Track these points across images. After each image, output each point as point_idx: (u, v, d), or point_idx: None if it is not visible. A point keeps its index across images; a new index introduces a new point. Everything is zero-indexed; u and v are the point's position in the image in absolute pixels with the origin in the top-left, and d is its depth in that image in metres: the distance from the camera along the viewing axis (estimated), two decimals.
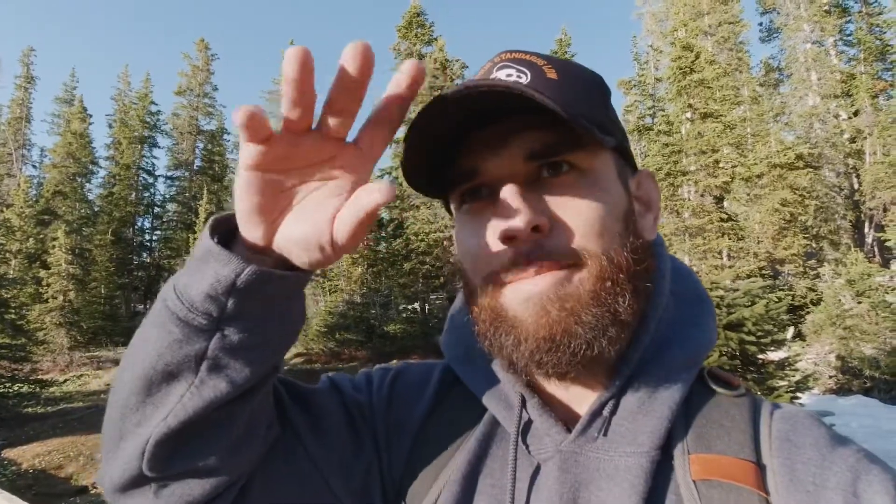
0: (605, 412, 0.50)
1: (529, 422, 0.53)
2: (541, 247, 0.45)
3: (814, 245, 16.88)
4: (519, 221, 0.44)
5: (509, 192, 0.46)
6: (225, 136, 37.32)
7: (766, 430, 0.49)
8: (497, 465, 0.53)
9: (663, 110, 20.16)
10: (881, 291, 11.15)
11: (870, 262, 13.48)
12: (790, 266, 15.22)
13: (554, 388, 0.53)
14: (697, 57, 14.94)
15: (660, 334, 0.52)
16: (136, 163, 32.54)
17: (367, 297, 19.80)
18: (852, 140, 20.11)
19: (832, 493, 0.42)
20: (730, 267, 12.49)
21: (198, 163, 35.62)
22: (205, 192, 29.40)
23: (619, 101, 27.83)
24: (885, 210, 15.75)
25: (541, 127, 0.47)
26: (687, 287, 0.57)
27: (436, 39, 24.26)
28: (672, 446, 0.48)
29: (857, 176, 19.86)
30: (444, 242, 20.99)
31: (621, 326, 0.46)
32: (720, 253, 14.03)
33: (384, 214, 23.88)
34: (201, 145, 35.92)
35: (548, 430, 0.51)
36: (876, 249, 16.29)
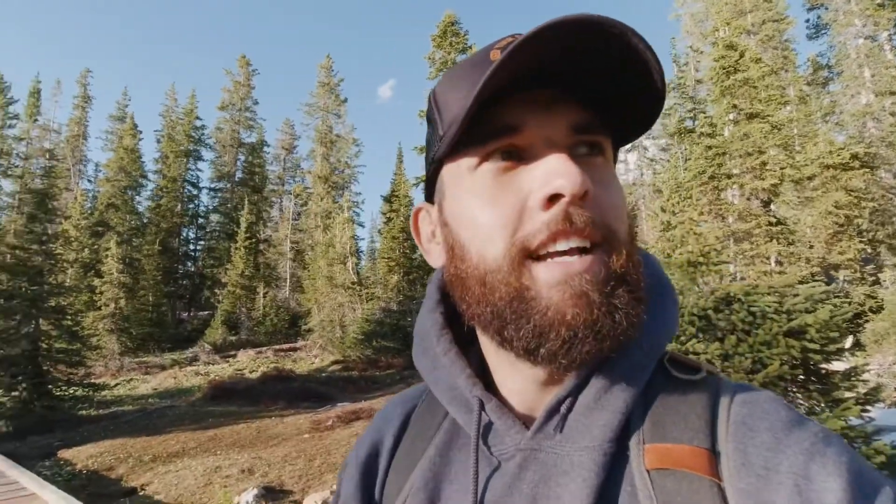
0: (563, 409, 0.47)
1: (490, 425, 0.51)
2: (581, 216, 0.42)
3: (870, 250, 15.97)
4: (574, 179, 0.40)
5: (562, 153, 0.42)
6: (265, 149, 38.50)
7: (724, 415, 0.46)
8: (461, 468, 0.51)
9: (704, 112, 19.56)
10: None
11: None
12: (846, 272, 14.44)
13: (512, 388, 0.51)
14: (742, 56, 14.42)
15: None
16: (182, 175, 33.99)
17: (404, 305, 19.91)
18: None
19: (784, 476, 0.40)
20: (779, 273, 11.92)
21: (239, 174, 36.87)
22: (245, 202, 30.35)
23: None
24: None
25: (576, 102, 0.45)
26: (651, 273, 0.51)
27: (470, 48, 24.37)
28: (628, 437, 0.46)
29: None
30: None
31: (640, 316, 0.44)
32: (768, 258, 13.43)
33: None
34: (242, 157, 37.18)
35: (507, 430, 0.49)
36: None
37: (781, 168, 13.70)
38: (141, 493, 6.74)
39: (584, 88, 0.44)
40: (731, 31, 15.94)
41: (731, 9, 21.03)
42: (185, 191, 34.36)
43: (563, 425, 0.47)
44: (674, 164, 19.21)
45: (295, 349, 20.95)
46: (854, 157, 14.76)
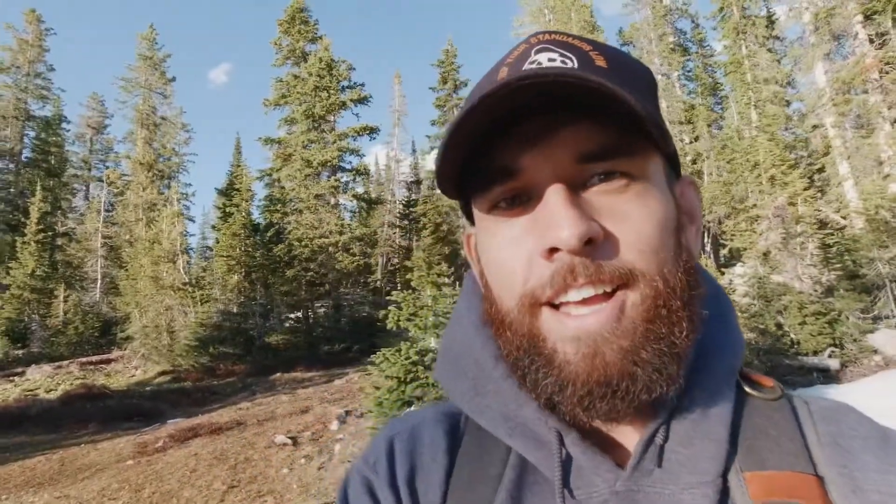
0: (658, 440, 0.43)
1: (569, 461, 0.45)
2: (592, 264, 0.39)
3: None
4: (569, 232, 0.38)
5: (557, 197, 0.40)
6: (64, 126, 32.27)
7: (812, 436, 0.45)
8: None
9: None
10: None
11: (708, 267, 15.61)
12: None
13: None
14: None
15: (698, 342, 0.46)
16: None
17: (246, 307, 18.33)
18: (693, 161, 23.30)
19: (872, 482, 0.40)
20: None
21: (27, 153, 30.30)
22: (38, 187, 25.01)
23: None
24: (720, 223, 18.34)
25: (591, 124, 0.40)
26: (708, 289, 0.49)
27: (320, 38, 23.47)
28: (728, 467, 0.43)
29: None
30: (330, 248, 20.24)
31: (679, 362, 0.41)
32: None
33: (261, 219, 22.43)
34: (32, 133, 30.63)
35: (595, 468, 0.44)
36: (712, 257, 18.92)
37: None
38: None
39: (595, 108, 0.39)
40: None
41: None
42: None
43: (661, 458, 0.43)
44: None
45: (108, 361, 17.92)
46: None
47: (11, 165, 29.62)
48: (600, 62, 0.42)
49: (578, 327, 0.40)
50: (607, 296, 0.40)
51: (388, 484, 0.50)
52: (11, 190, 28.82)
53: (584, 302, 0.40)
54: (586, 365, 0.39)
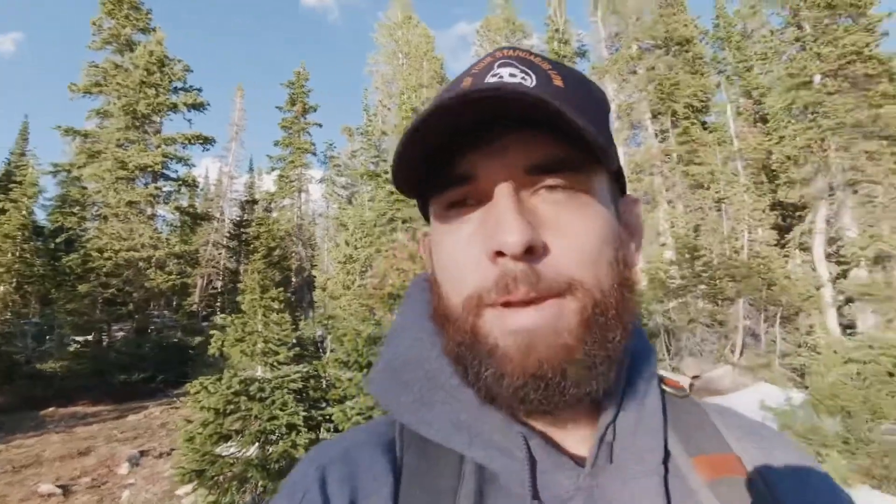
0: (608, 437, 0.48)
1: (534, 464, 0.46)
2: (532, 271, 0.42)
3: None
4: (513, 238, 0.40)
5: (504, 205, 0.42)
6: None
7: (720, 425, 0.53)
8: None
9: (386, 160, 22.08)
10: None
11: None
12: None
13: (540, 419, 0.49)
14: None
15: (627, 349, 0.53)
16: None
17: (13, 325, 14.90)
18: None
19: (778, 456, 0.52)
20: None
21: None
22: None
23: (343, 146, 29.44)
24: None
25: (543, 137, 0.44)
26: None
27: (153, 30, 21.11)
28: (670, 456, 0.49)
29: None
30: (140, 264, 17.70)
31: (611, 364, 0.45)
32: None
33: (47, 221, 18.77)
34: None
35: (559, 468, 0.46)
36: None
37: None
38: None
39: (547, 124, 0.42)
40: (415, 98, 18.69)
41: (412, 79, 24.68)
42: None
43: (612, 455, 0.47)
44: (360, 203, 20.83)
45: None
46: None
47: None
48: (557, 81, 0.46)
49: (518, 322, 0.42)
50: (547, 299, 0.42)
51: None
52: None
53: (526, 302, 0.42)
54: (522, 358, 0.42)
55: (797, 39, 16.11)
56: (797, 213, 17.42)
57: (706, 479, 0.47)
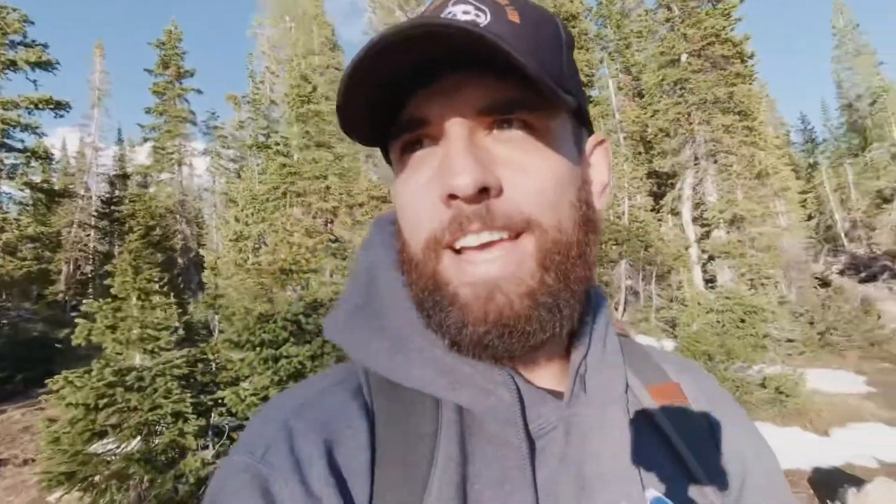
0: (581, 371, 0.51)
1: (520, 400, 0.47)
2: (488, 211, 0.41)
3: None
4: (464, 180, 0.40)
5: (455, 147, 0.42)
6: None
7: (658, 359, 0.60)
8: (484, 464, 0.45)
9: (277, 131, 20.85)
10: None
11: None
12: None
13: (517, 360, 0.50)
14: (314, 90, 16.26)
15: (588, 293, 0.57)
16: None
17: None
18: None
19: (704, 385, 0.60)
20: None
21: None
22: None
23: (229, 116, 27.21)
24: None
25: (496, 77, 0.42)
26: None
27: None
28: (626, 386, 0.54)
29: None
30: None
31: (575, 305, 0.46)
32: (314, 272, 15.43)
33: None
34: None
35: (540, 401, 0.48)
36: None
37: (340, 194, 16.08)
38: None
39: (498, 64, 0.40)
40: (305, 65, 17.72)
41: (302, 46, 23.36)
42: None
43: (585, 387, 0.50)
44: (249, 177, 19.48)
45: None
46: (391, 192, 19.04)
47: None
48: (513, 17, 0.44)
49: (476, 273, 0.42)
50: (504, 242, 0.42)
51: (293, 470, 0.41)
52: None
53: (483, 247, 0.41)
54: (482, 307, 0.42)
55: (667, 20, 17.50)
56: (669, 181, 19.25)
57: (658, 404, 0.53)
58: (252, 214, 15.71)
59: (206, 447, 4.41)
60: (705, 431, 0.54)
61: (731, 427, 0.56)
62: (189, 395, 4.44)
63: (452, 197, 0.41)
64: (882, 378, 10.81)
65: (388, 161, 0.52)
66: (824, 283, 18.07)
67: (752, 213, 15.11)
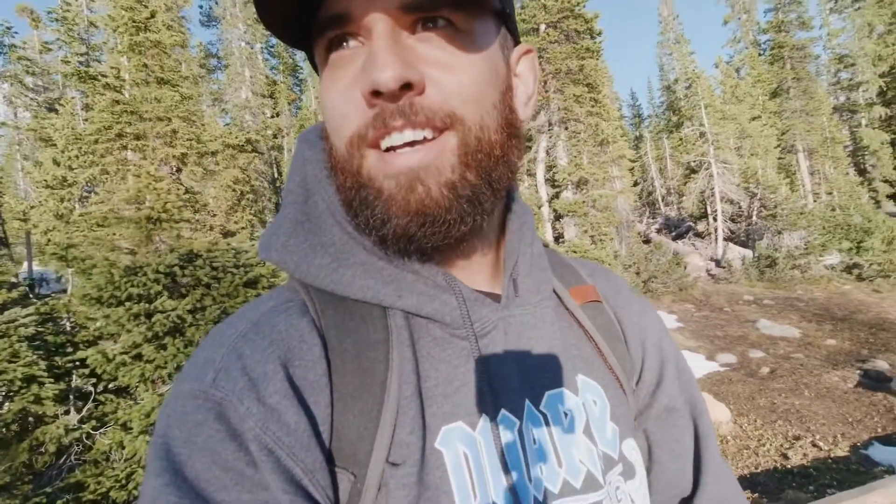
0: (514, 275, 0.55)
1: (464, 303, 0.50)
2: (410, 107, 0.41)
3: (257, 221, 19.37)
4: (388, 75, 0.39)
5: (378, 44, 0.41)
6: None
7: (574, 265, 0.67)
8: (432, 364, 0.48)
9: (99, 61, 17.69)
10: None
11: None
12: (240, 237, 16.93)
13: (451, 265, 0.52)
14: (153, 16, 13.96)
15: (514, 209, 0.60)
16: None
17: None
18: (274, 136, 24.22)
19: (614, 286, 0.68)
20: (192, 238, 12.57)
21: None
22: None
23: (28, 33, 22.08)
24: None
25: None
26: None
27: None
28: (552, 287, 0.60)
29: (279, 166, 24.24)
30: None
31: (494, 199, 0.47)
32: (187, 221, 13.82)
33: None
34: None
35: (482, 303, 0.51)
36: None
37: (189, 139, 14.31)
38: None
39: None
40: None
41: None
42: None
43: (517, 289, 0.54)
44: (70, 112, 16.32)
45: None
46: (248, 141, 17.41)
47: None
48: None
49: (397, 163, 0.42)
50: (427, 142, 0.42)
51: (248, 389, 0.41)
52: None
53: (406, 142, 0.42)
54: (404, 197, 0.42)
55: None
56: (527, 144, 20.63)
57: (579, 304, 0.59)
58: (77, 157, 13.31)
59: (67, 412, 3.84)
60: (616, 325, 0.62)
61: (637, 319, 0.64)
62: (41, 356, 3.80)
63: (376, 94, 0.40)
64: (687, 316, 13.22)
65: (313, 65, 0.50)
66: (646, 240, 21.32)
67: (595, 176, 16.99)
